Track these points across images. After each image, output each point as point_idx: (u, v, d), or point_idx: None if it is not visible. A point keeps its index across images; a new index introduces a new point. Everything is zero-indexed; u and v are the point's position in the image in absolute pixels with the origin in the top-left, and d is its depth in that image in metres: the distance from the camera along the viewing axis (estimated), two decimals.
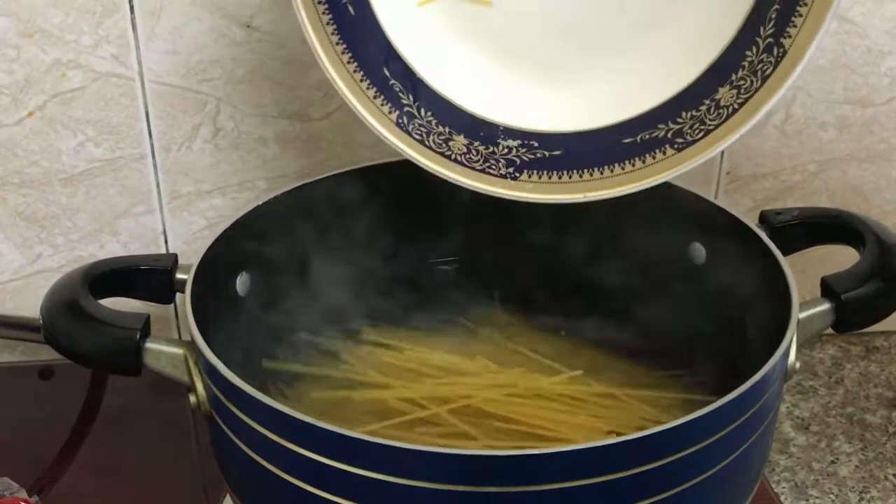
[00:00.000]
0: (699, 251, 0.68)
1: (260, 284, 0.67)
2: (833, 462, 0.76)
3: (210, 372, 0.52)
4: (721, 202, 0.83)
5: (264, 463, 0.51)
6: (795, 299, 0.55)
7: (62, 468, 0.72)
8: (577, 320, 0.71)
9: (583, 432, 0.61)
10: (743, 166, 0.86)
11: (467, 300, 0.74)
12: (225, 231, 0.63)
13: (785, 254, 0.61)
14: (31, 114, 0.79)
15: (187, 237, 0.85)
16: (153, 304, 0.65)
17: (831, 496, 0.72)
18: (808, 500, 0.72)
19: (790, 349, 0.54)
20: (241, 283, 0.65)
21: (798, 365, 0.56)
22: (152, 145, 0.81)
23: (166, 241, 0.85)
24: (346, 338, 0.70)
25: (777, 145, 0.86)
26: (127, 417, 0.77)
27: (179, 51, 0.78)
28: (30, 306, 0.86)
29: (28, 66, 0.78)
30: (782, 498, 0.72)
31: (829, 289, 0.58)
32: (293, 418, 0.47)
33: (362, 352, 0.69)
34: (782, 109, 0.84)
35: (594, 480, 0.46)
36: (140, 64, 0.78)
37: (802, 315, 0.57)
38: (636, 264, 0.69)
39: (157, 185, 0.83)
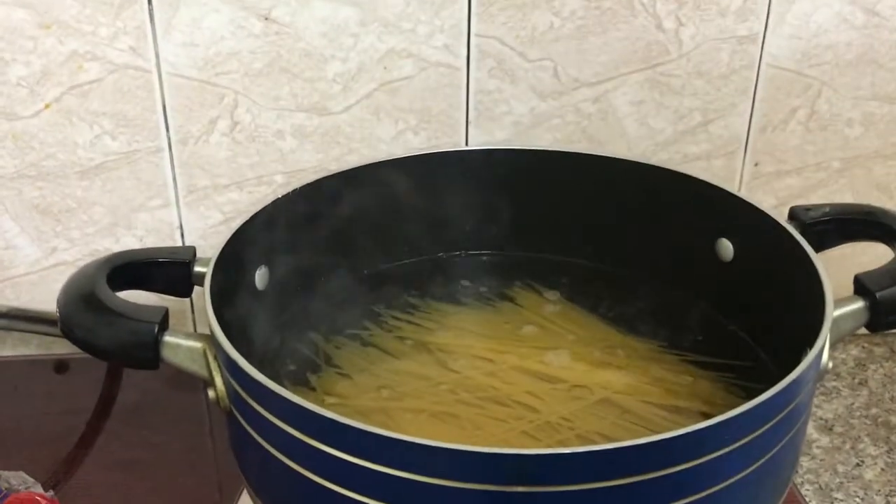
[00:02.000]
0: (727, 247, 0.66)
1: (280, 278, 0.65)
2: (858, 465, 0.74)
3: (230, 366, 0.51)
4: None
5: (285, 459, 0.49)
6: (830, 297, 0.54)
7: (77, 462, 0.70)
8: (599, 305, 0.70)
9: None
10: (766, 163, 0.85)
11: (497, 287, 0.73)
12: (244, 224, 0.61)
13: (818, 249, 0.59)
14: (47, 106, 0.78)
15: (203, 231, 0.83)
16: (170, 297, 0.63)
17: (857, 499, 0.70)
18: (832, 502, 0.70)
19: (824, 348, 0.52)
20: (261, 276, 0.63)
21: (831, 365, 0.54)
22: (169, 138, 0.80)
23: (182, 235, 0.84)
24: (370, 328, 0.68)
25: (801, 142, 0.84)
26: (143, 412, 0.76)
27: (197, 43, 0.76)
28: (45, 300, 0.84)
29: (45, 58, 0.76)
30: (808, 500, 0.70)
31: (862, 286, 0.56)
32: (316, 414, 0.46)
33: (388, 342, 0.67)
34: (807, 105, 0.82)
35: (623, 482, 0.44)
36: (157, 56, 0.77)
37: (836, 313, 0.55)
38: (664, 258, 0.67)
39: (174, 178, 0.81)
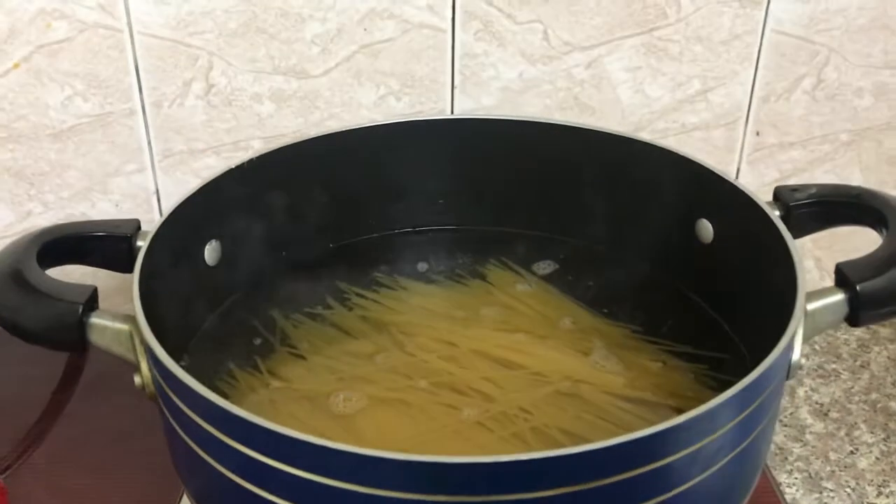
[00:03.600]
0: (707, 228, 0.61)
1: (234, 253, 0.61)
2: (852, 452, 0.69)
3: (149, 353, 0.47)
4: (744, 174, 0.77)
5: (201, 452, 0.45)
6: (802, 289, 0.48)
7: (36, 440, 0.67)
8: (575, 286, 0.66)
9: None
10: (769, 134, 0.79)
11: (471, 263, 0.69)
12: (188, 197, 0.57)
13: (801, 234, 0.54)
14: (16, 65, 0.74)
15: (180, 197, 0.79)
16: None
17: (847, 490, 0.65)
18: (821, 493, 0.65)
19: (793, 345, 0.47)
20: (211, 251, 0.59)
21: (804, 361, 0.49)
22: (142, 101, 0.76)
23: (159, 201, 0.80)
24: (332, 307, 0.64)
25: (806, 112, 0.78)
26: (105, 387, 0.72)
27: (169, 1, 0.72)
28: None
29: (11, 16, 0.72)
30: (794, 489, 0.65)
31: (843, 277, 0.51)
32: (225, 410, 0.42)
33: (348, 322, 0.63)
34: (814, 73, 0.76)
35: (553, 492, 0.40)
36: (128, 14, 0.72)
37: (812, 306, 0.49)
38: (643, 237, 0.62)
39: (149, 142, 0.77)
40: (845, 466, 0.67)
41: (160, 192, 0.80)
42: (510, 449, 0.53)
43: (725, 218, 0.59)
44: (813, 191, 0.57)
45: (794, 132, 0.79)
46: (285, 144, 0.63)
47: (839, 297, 0.51)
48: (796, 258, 0.51)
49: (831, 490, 0.65)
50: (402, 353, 0.60)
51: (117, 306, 0.53)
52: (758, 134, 0.79)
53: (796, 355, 0.48)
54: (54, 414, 0.70)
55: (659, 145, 0.63)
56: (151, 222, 0.79)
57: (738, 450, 0.45)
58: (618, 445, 0.39)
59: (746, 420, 0.45)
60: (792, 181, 0.80)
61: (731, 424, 0.43)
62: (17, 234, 0.78)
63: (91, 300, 0.50)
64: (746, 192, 0.57)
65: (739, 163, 0.80)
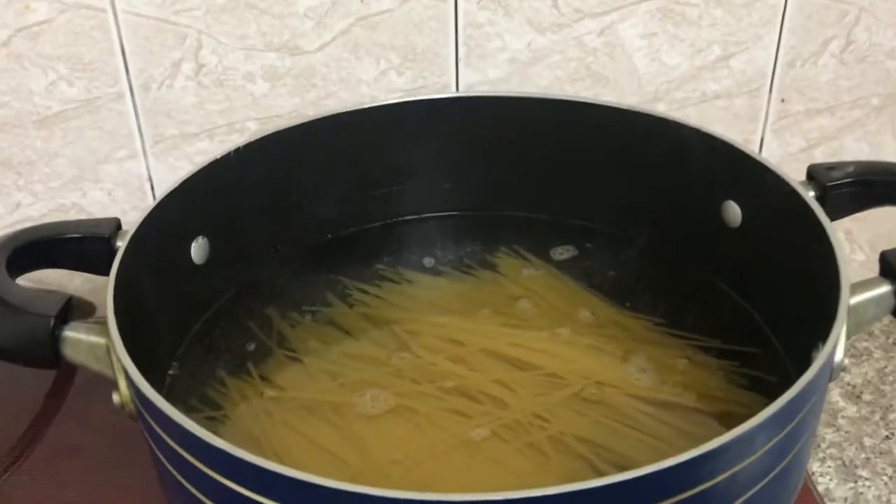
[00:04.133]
0: (734, 211, 0.55)
1: (224, 250, 0.55)
2: (887, 437, 0.64)
3: (125, 371, 0.42)
4: (768, 143, 0.72)
5: (183, 481, 0.41)
6: (845, 285, 0.43)
7: (29, 446, 0.62)
8: (592, 275, 0.60)
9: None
10: (795, 101, 0.73)
11: (480, 252, 0.64)
12: (173, 190, 0.52)
13: (839, 216, 0.49)
14: None
15: (175, 183, 0.75)
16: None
17: (884, 478, 0.60)
18: (856, 482, 0.60)
19: (837, 345, 0.42)
20: (198, 249, 0.54)
21: (847, 361, 0.44)
22: (130, 84, 0.71)
23: (152, 188, 0.75)
24: (331, 303, 0.59)
25: (835, 76, 0.72)
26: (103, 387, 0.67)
27: None
28: None
29: None
30: (827, 479, 0.60)
31: (889, 267, 0.45)
32: (207, 443, 0.37)
33: (348, 320, 0.58)
34: (842, 35, 0.70)
35: None
36: None
37: (855, 300, 0.44)
38: (664, 221, 0.56)
39: (139, 127, 0.73)
40: (881, 453, 0.62)
41: (153, 178, 0.75)
42: (526, 462, 0.48)
43: (755, 200, 0.53)
44: (850, 169, 0.51)
45: (821, 98, 0.73)
46: (276, 130, 0.58)
47: (886, 288, 0.45)
48: (837, 247, 0.45)
49: (867, 479, 0.60)
50: (408, 354, 0.55)
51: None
52: (783, 101, 0.73)
53: (839, 356, 0.43)
54: (47, 417, 0.66)
55: (680, 121, 0.57)
56: (146, 210, 0.75)
57: (784, 463, 0.40)
58: (649, 475, 0.34)
59: (791, 432, 0.40)
60: (819, 150, 0.75)
61: (776, 440, 0.38)
62: (8, 227, 0.74)
63: (64, 311, 0.46)
64: (778, 172, 0.52)
65: (763, 132, 0.75)
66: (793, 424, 0.39)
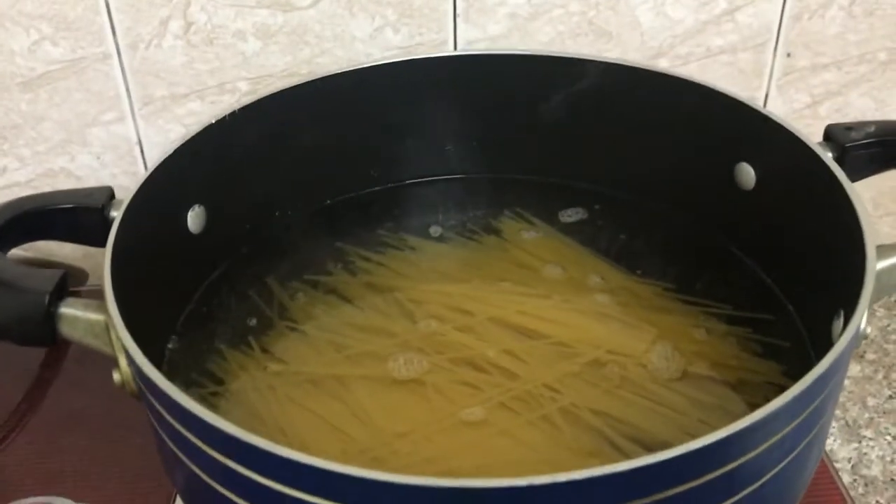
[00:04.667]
0: (747, 173, 0.53)
1: (220, 217, 0.53)
2: (891, 397, 0.62)
3: (127, 353, 0.39)
4: (773, 99, 0.69)
5: (182, 457, 0.39)
6: (871, 246, 0.41)
7: (23, 418, 0.60)
8: (600, 239, 0.58)
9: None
10: (801, 56, 0.71)
11: (483, 216, 0.61)
12: (168, 158, 0.50)
13: (857, 177, 0.47)
14: None
15: (165, 147, 0.71)
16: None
17: (888, 437, 0.59)
18: (860, 441, 0.59)
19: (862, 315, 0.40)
20: (195, 218, 0.52)
21: (869, 330, 0.42)
22: (117, 43, 0.68)
23: (142, 152, 0.73)
24: (332, 271, 0.56)
25: (842, 30, 0.69)
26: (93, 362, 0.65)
27: None
28: None
29: None
30: (830, 439, 0.59)
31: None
32: (211, 425, 0.35)
33: (351, 289, 0.56)
34: None
35: None
36: None
37: (882, 265, 0.42)
38: (673, 183, 0.54)
39: (127, 88, 0.70)
40: (884, 412, 0.61)
41: (143, 142, 0.72)
42: (538, 435, 0.46)
43: (769, 161, 0.51)
44: (871, 129, 0.49)
45: (828, 52, 0.71)
46: (272, 92, 0.55)
47: None
48: (860, 209, 0.43)
49: (870, 438, 0.59)
50: (414, 324, 0.53)
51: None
52: (789, 55, 0.71)
53: (863, 323, 0.41)
54: (42, 388, 0.64)
55: (692, 80, 0.55)
56: (135, 175, 0.73)
57: (811, 435, 0.39)
58: (671, 460, 0.32)
59: (820, 404, 0.38)
60: (824, 106, 0.73)
61: (807, 411, 0.37)
62: None
63: (59, 287, 0.43)
64: (794, 132, 0.49)
65: (768, 88, 0.72)
66: (822, 396, 0.37)
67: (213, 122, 0.51)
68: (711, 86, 0.54)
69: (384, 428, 0.47)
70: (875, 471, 0.58)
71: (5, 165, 0.73)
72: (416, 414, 0.47)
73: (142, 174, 0.71)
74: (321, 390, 0.49)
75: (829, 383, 0.37)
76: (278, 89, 0.56)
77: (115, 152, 0.73)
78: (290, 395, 0.49)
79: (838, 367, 0.37)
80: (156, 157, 0.71)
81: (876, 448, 0.59)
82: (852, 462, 0.58)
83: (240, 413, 0.48)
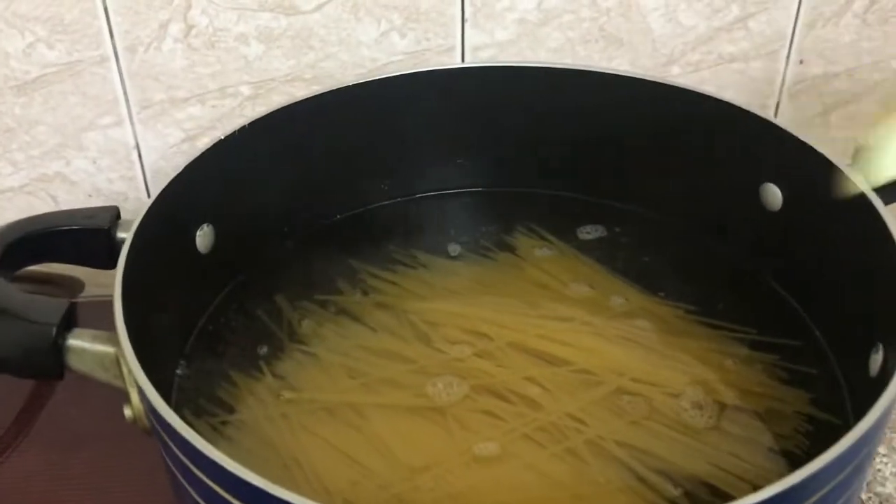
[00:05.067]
0: (774, 194, 0.51)
1: (229, 236, 0.51)
2: None
3: (137, 386, 0.37)
4: (784, 107, 0.68)
5: (197, 498, 0.37)
6: None
7: (14, 442, 0.58)
8: (617, 258, 0.56)
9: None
10: (813, 64, 0.69)
11: (496, 232, 0.59)
12: (178, 176, 0.47)
13: (892, 200, 0.45)
14: None
15: (164, 151, 0.70)
16: None
17: None
18: (874, 458, 0.57)
19: None
20: (203, 237, 0.49)
21: None
22: (115, 46, 0.66)
23: (140, 156, 0.70)
24: (342, 291, 0.54)
25: (856, 38, 0.68)
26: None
27: None
28: None
29: None
30: None
31: None
32: (228, 471, 0.33)
33: (363, 309, 0.54)
34: None
35: None
36: None
37: None
38: (697, 202, 0.52)
39: (125, 92, 0.68)
40: None
41: (140, 146, 0.70)
42: (564, 469, 0.44)
43: (797, 183, 0.49)
44: None
45: (841, 61, 0.69)
46: (281, 106, 0.53)
47: None
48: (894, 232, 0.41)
49: (884, 455, 0.58)
50: (429, 348, 0.50)
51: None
52: (801, 62, 0.69)
53: None
54: (41, 399, 0.61)
55: (717, 97, 0.53)
56: (132, 179, 0.70)
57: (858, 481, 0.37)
58: None
59: (870, 449, 0.36)
60: (835, 114, 0.71)
61: (858, 458, 0.35)
62: None
63: (67, 318, 0.41)
64: (823, 152, 0.48)
65: (779, 96, 0.71)
66: (874, 440, 0.35)
67: (223, 137, 0.49)
68: (739, 104, 0.52)
69: (403, 460, 0.45)
70: (889, 488, 0.56)
71: None
72: (436, 445, 0.45)
73: (139, 179, 0.70)
74: (336, 419, 0.47)
75: (884, 422, 0.36)
76: (286, 103, 0.53)
77: (113, 157, 0.71)
78: (303, 423, 0.47)
79: (892, 405, 0.36)
80: (154, 160, 0.70)
81: (890, 465, 0.57)
82: (867, 480, 0.57)
83: (252, 443, 0.46)
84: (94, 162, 0.71)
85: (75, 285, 0.68)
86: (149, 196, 0.72)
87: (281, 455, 0.46)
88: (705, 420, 0.46)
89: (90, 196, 0.72)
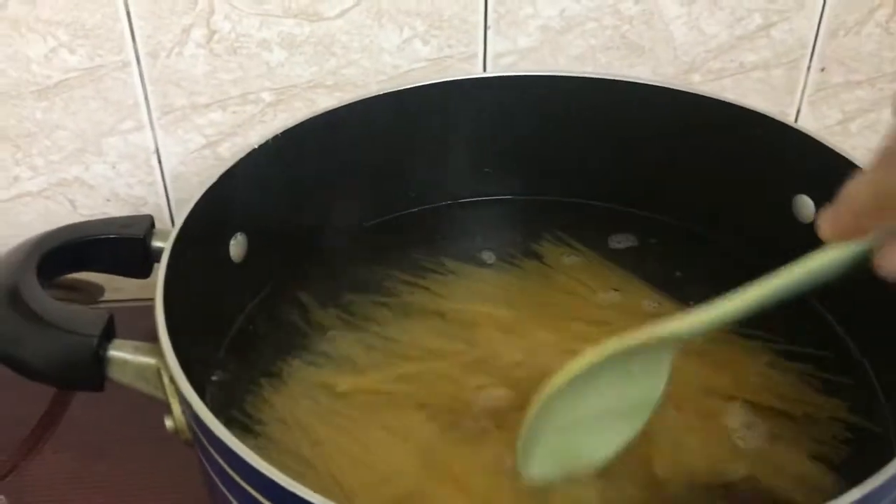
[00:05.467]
0: (807, 205, 0.51)
1: (259, 245, 0.51)
2: None
3: (183, 399, 0.37)
4: (804, 115, 0.68)
5: None
6: None
7: (36, 447, 0.57)
8: (657, 276, 0.55)
9: None
10: (834, 72, 0.69)
11: (522, 240, 0.58)
12: (213, 185, 0.47)
13: None
14: None
15: (184, 157, 0.70)
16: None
17: None
18: None
19: None
20: (237, 246, 0.49)
21: None
22: (136, 51, 0.65)
23: (160, 161, 0.70)
24: (374, 305, 0.54)
25: (878, 47, 0.68)
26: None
27: None
28: (10, 234, 0.71)
29: None
30: None
31: None
32: (277, 483, 0.33)
33: (395, 316, 0.53)
34: (889, 2, 0.66)
35: None
36: None
37: None
38: (729, 212, 0.52)
39: (146, 97, 0.67)
40: None
41: (160, 151, 0.70)
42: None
43: (830, 193, 0.49)
44: None
45: (862, 69, 0.69)
46: (312, 115, 0.53)
47: None
48: None
49: None
50: (468, 357, 0.50)
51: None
52: (822, 70, 0.69)
53: None
54: (60, 409, 0.61)
55: (749, 107, 0.53)
56: (152, 184, 0.70)
57: None
58: None
59: None
60: (856, 123, 0.72)
61: None
62: (6, 202, 0.69)
63: (108, 329, 0.41)
64: (856, 162, 0.48)
65: (800, 104, 0.71)
66: None
67: (257, 146, 0.49)
68: (773, 115, 0.52)
69: (443, 471, 0.45)
70: None
71: (17, 175, 0.70)
72: (475, 460, 0.45)
73: (159, 184, 0.70)
74: (372, 422, 0.47)
75: None
76: (318, 112, 0.53)
77: (132, 162, 0.70)
78: (344, 428, 0.47)
79: None
80: (174, 165, 0.70)
81: None
82: None
83: (288, 455, 0.46)
84: (114, 167, 0.71)
85: (95, 290, 0.67)
86: (168, 201, 0.72)
87: (318, 470, 0.45)
88: (752, 433, 0.46)
89: (108, 201, 0.72)
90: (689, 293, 0.53)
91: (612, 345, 0.38)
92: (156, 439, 0.54)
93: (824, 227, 0.35)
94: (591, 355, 0.38)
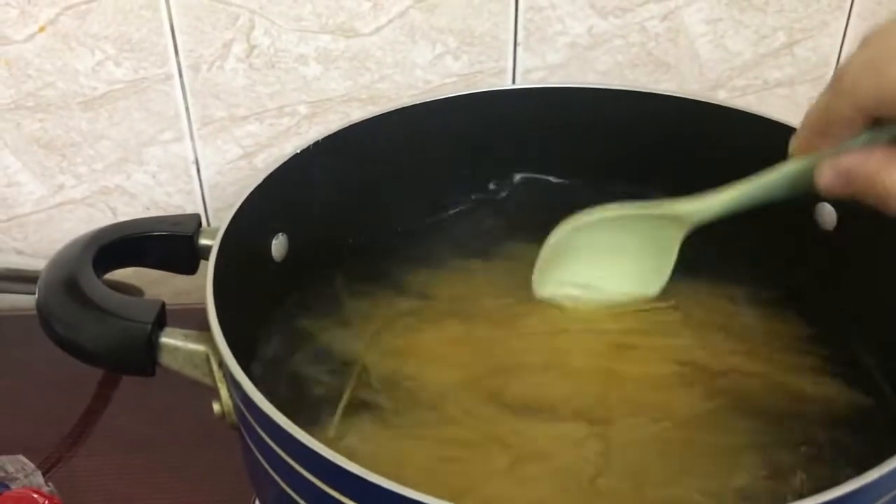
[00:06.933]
0: (829, 213, 0.54)
1: (298, 245, 0.54)
2: None
3: (232, 381, 0.40)
4: None
5: (292, 493, 0.39)
6: None
7: (80, 440, 0.61)
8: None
9: None
10: None
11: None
12: (259, 185, 0.50)
13: None
14: (42, 28, 0.66)
15: (221, 167, 0.73)
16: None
17: None
18: None
19: None
20: (278, 245, 0.52)
21: None
22: (179, 64, 0.69)
23: (198, 171, 0.73)
24: (416, 300, 0.56)
25: None
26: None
27: None
28: (54, 240, 0.75)
29: None
30: None
31: None
32: (315, 453, 0.35)
33: (436, 315, 0.55)
34: None
35: None
36: None
37: None
38: (750, 222, 0.54)
39: (186, 108, 0.70)
40: None
41: (199, 161, 0.73)
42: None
43: (852, 203, 0.51)
44: None
45: None
46: (352, 122, 0.56)
47: None
48: None
49: None
50: (513, 336, 0.53)
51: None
52: None
53: None
54: (102, 404, 0.64)
55: (768, 117, 0.55)
56: (190, 193, 0.73)
57: None
58: None
59: None
60: None
61: None
62: (51, 209, 0.72)
63: (160, 317, 0.44)
64: None
65: None
66: None
67: (299, 151, 0.52)
68: (789, 123, 0.54)
69: (497, 469, 0.46)
70: None
71: (62, 183, 0.73)
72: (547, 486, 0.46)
73: (197, 193, 0.73)
74: (423, 417, 0.49)
75: None
76: (356, 121, 0.56)
77: (171, 171, 0.74)
78: (387, 435, 0.49)
79: None
80: (211, 175, 0.73)
81: None
82: None
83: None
84: (154, 176, 0.74)
85: (134, 292, 0.71)
86: (205, 209, 0.75)
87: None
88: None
89: (148, 209, 0.75)
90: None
91: (619, 209, 0.50)
92: (194, 434, 0.59)
93: (791, 142, 0.43)
94: (599, 212, 0.51)
